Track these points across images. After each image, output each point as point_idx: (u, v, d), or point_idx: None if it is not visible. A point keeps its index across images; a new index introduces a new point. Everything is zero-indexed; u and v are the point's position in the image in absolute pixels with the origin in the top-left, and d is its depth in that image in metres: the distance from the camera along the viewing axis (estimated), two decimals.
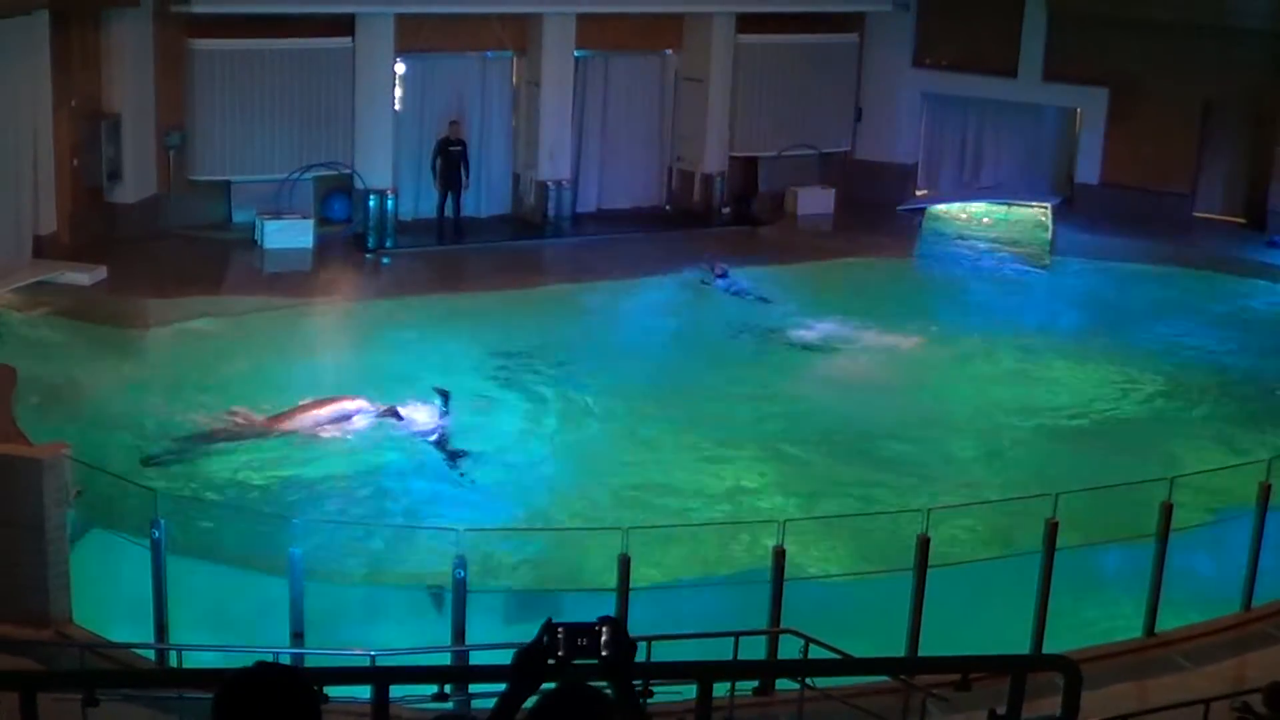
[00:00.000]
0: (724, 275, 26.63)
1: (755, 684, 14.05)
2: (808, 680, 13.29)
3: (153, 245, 25.59)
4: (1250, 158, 30.97)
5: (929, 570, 14.73)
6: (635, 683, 5.53)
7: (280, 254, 26.03)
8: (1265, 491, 16.24)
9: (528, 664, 5.38)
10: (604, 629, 5.38)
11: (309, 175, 27.01)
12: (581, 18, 28.82)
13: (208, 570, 15.87)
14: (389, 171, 27.62)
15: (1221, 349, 24.85)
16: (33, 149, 23.54)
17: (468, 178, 28.18)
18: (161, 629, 14.34)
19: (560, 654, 5.33)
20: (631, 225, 29.50)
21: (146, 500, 14.91)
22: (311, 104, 26.99)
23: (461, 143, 28.02)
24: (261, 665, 4.96)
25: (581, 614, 5.54)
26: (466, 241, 27.87)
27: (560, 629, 5.35)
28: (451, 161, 27.87)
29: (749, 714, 13.62)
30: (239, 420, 19.86)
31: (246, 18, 25.93)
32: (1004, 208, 31.99)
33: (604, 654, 5.35)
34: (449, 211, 28.15)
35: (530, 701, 5.12)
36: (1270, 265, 28.21)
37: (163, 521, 14.42)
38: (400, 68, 28.04)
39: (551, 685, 5.11)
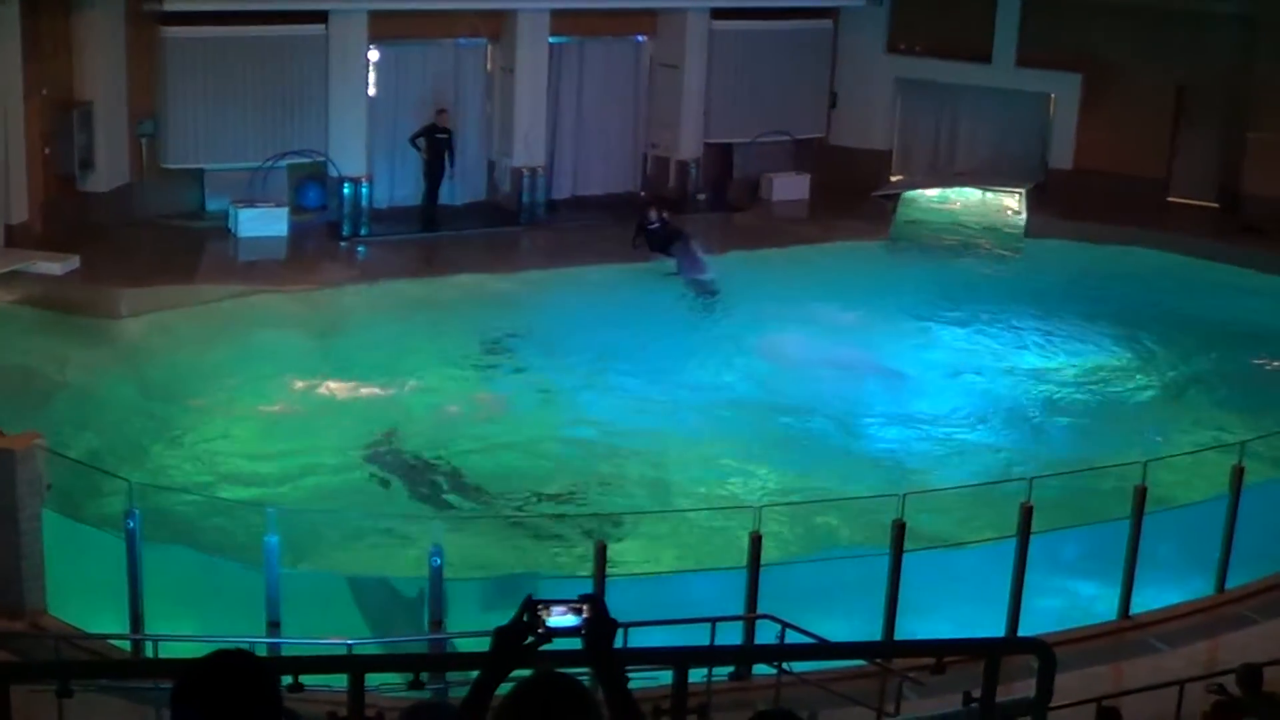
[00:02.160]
0: (661, 223, 26.60)
1: (731, 669, 14.08)
2: (784, 665, 13.34)
3: (126, 234, 25.50)
4: (1223, 142, 31.01)
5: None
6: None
7: (254, 242, 25.93)
8: (1238, 474, 16.31)
9: (507, 642, 5.36)
10: (585, 607, 5.38)
11: (283, 163, 26.93)
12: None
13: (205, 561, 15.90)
14: (363, 159, 27.53)
15: (1194, 333, 24.91)
16: (3, 138, 23.43)
17: (452, 166, 28.09)
18: (137, 619, 14.32)
19: (541, 630, 5.32)
20: (607, 211, 29.44)
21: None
22: (285, 92, 26.89)
23: (448, 131, 27.93)
24: (222, 653, 4.95)
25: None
26: (441, 229, 27.79)
27: (540, 605, 5.34)
28: (437, 149, 27.77)
29: (726, 699, 13.64)
30: None
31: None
32: (978, 193, 32.00)
33: (584, 631, 5.34)
34: (441, 199, 28.08)
35: (505, 690, 5.10)
36: (1243, 250, 28.24)
37: (137, 512, 14.40)
38: (374, 55, 27.96)
39: (526, 673, 5.10)
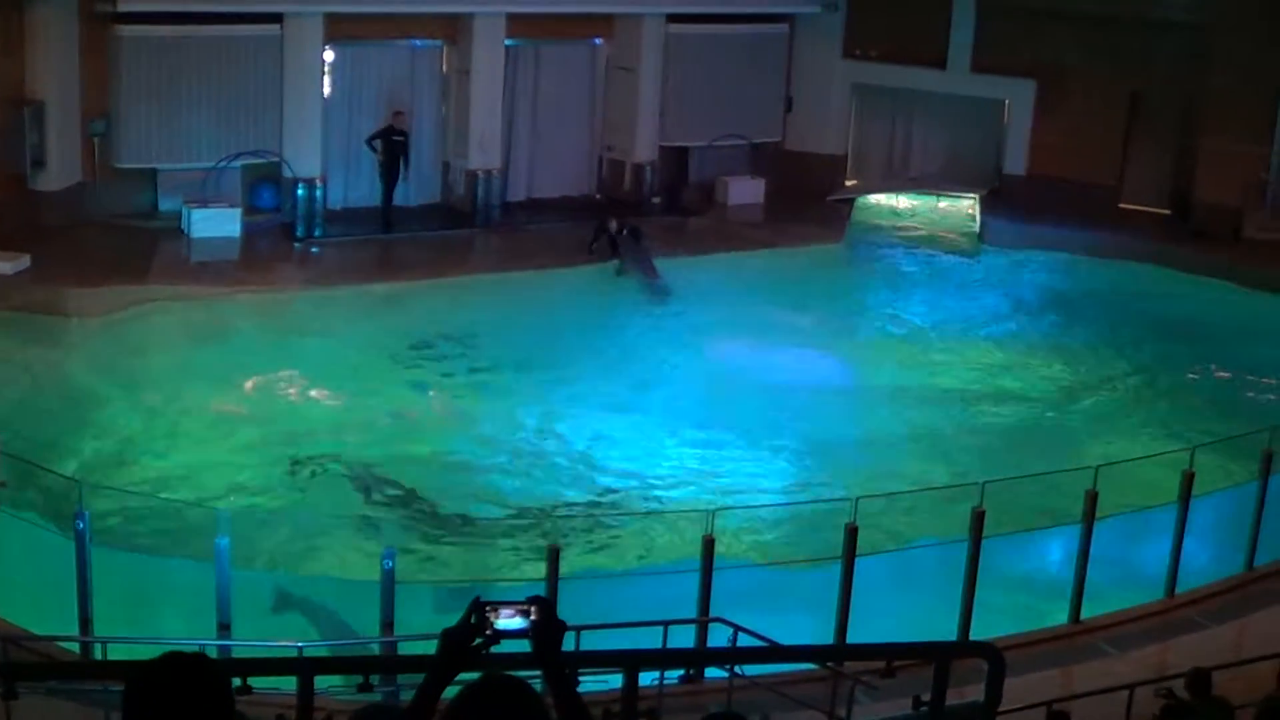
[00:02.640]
0: (621, 231, 26.80)
1: (682, 672, 14.07)
2: (736, 668, 13.33)
3: (78, 233, 25.32)
4: (1176, 149, 31.18)
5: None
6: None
7: (207, 243, 25.81)
8: (1188, 479, 16.38)
9: (454, 644, 5.33)
10: (533, 609, 5.35)
11: (237, 163, 26.80)
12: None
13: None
14: (318, 160, 27.43)
15: (1146, 338, 25.04)
16: None
17: (407, 169, 28.03)
18: (86, 621, 14.22)
19: (489, 632, 5.30)
20: (562, 214, 29.41)
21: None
22: (239, 91, 26.76)
23: (405, 133, 27.88)
24: (171, 655, 4.92)
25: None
26: (395, 230, 27.71)
27: (488, 607, 5.31)
28: (393, 151, 27.70)
29: (678, 703, 13.62)
30: None
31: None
32: (932, 198, 32.10)
33: (532, 634, 5.32)
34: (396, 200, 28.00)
35: (451, 693, 5.08)
36: (1194, 256, 28.40)
37: (86, 513, 14.30)
38: (329, 55, 27.87)
39: (474, 676, 5.07)
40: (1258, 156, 29.92)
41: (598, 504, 18.82)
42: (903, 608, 15.66)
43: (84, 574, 14.23)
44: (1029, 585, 17.04)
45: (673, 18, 30.32)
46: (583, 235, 27.25)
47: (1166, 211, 31.06)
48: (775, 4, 31.74)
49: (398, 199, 28.12)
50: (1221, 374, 23.98)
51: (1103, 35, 30.83)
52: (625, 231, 27.03)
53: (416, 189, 28.86)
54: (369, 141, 27.78)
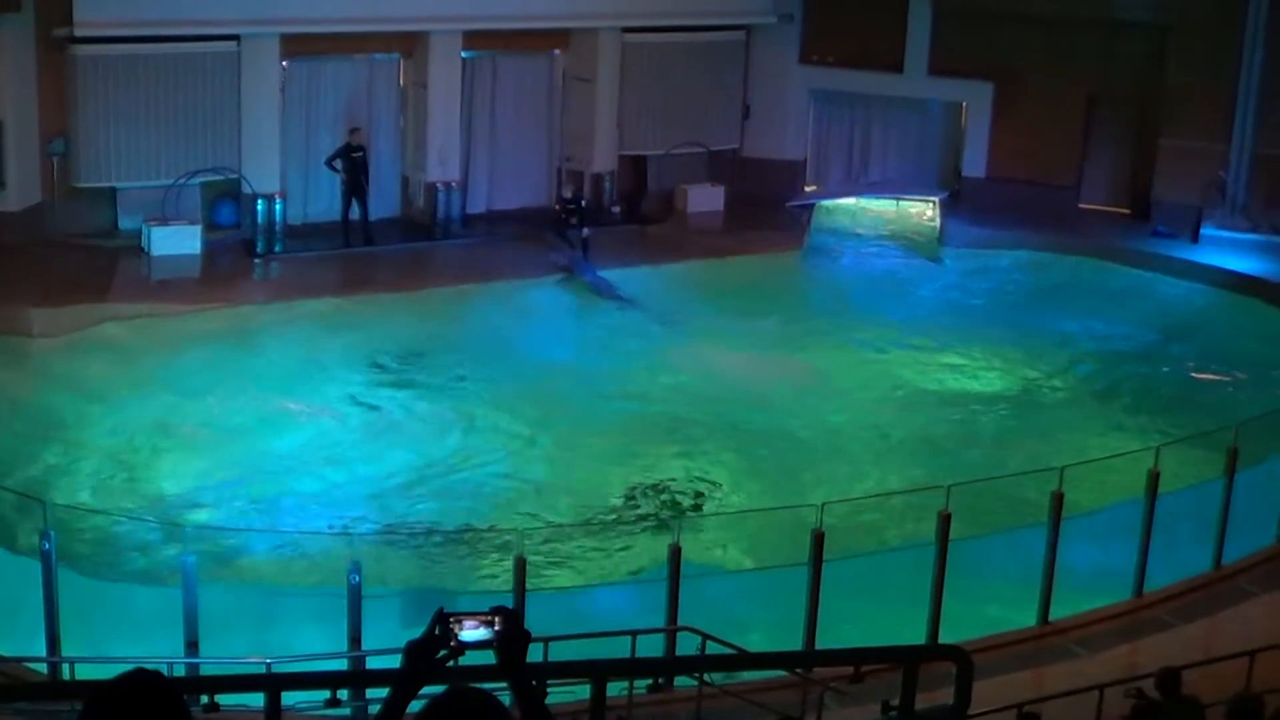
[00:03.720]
0: (576, 200, 27.49)
1: (651, 681, 14.05)
2: (705, 677, 13.32)
3: (38, 253, 25.21)
4: (1134, 149, 31.29)
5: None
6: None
7: (168, 260, 25.73)
8: (1154, 479, 16.43)
9: (419, 657, 5.30)
10: (498, 619, 5.31)
11: (196, 181, 26.72)
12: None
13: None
14: (277, 176, 27.37)
15: (1108, 337, 25.13)
16: None
17: (368, 183, 27.97)
18: (54, 642, 14.14)
19: (453, 644, 5.26)
20: (522, 226, 29.36)
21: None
22: (197, 109, 26.68)
23: (362, 149, 27.83)
24: (129, 674, 4.88)
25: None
26: (355, 245, 27.64)
27: (452, 618, 5.28)
28: (354, 168, 27.64)
29: (648, 712, 13.62)
30: None
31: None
32: (892, 202, 32.14)
33: (497, 645, 5.28)
34: (355, 215, 27.87)
35: (417, 706, 5.04)
36: (1154, 254, 28.53)
37: (52, 533, 14.23)
38: (287, 71, 27.81)
39: (440, 688, 5.04)
40: (1216, 154, 30.05)
41: (560, 515, 18.79)
42: (871, 613, 15.69)
43: (50, 594, 14.15)
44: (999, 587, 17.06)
45: (629, 27, 30.33)
46: (543, 247, 27.32)
47: (1126, 210, 31.18)
48: (731, 16, 31.75)
49: (355, 213, 27.96)
50: (1186, 370, 24.06)
51: (1059, 37, 30.94)
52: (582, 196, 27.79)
53: (376, 203, 28.77)
54: (329, 162, 27.72)
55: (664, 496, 19.26)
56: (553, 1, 29.44)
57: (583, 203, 28.07)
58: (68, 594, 14.32)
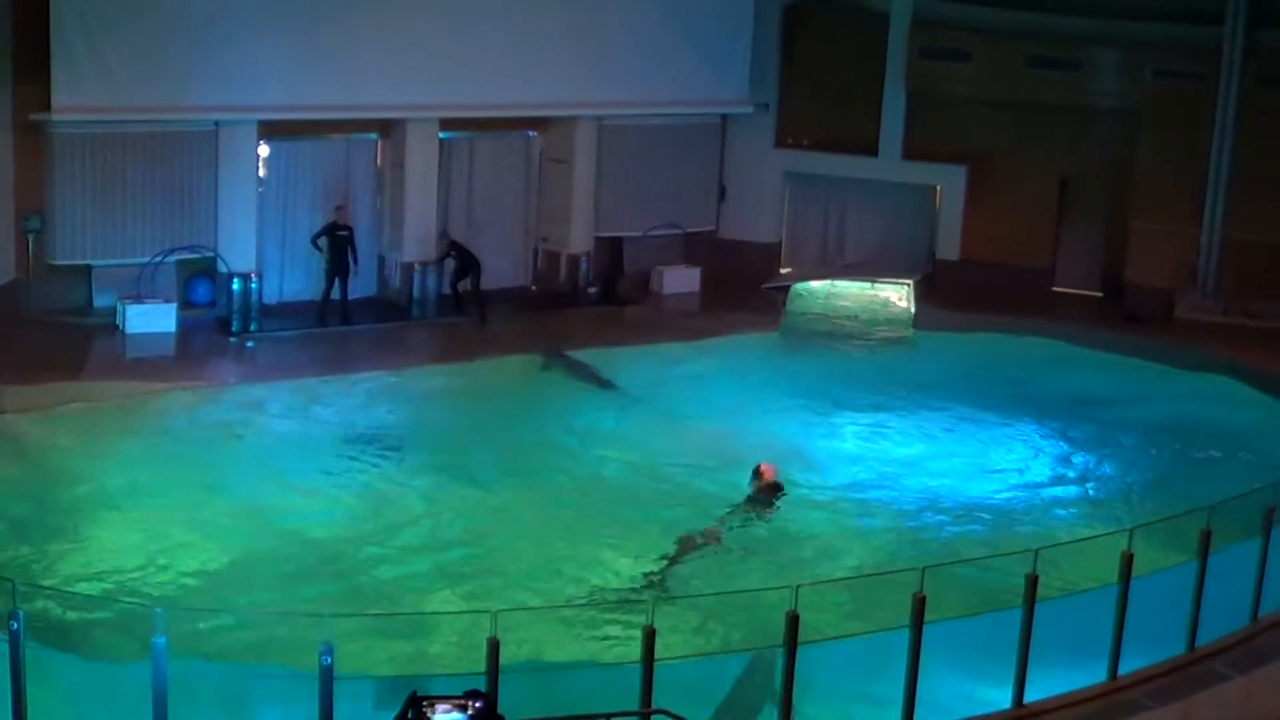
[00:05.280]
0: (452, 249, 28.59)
1: None
2: None
3: (12, 330, 25.20)
4: (1106, 233, 31.53)
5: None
6: None
7: (142, 339, 25.75)
8: (1128, 561, 16.41)
9: None
10: (471, 704, 5.31)
11: (172, 259, 26.75)
12: None
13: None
14: (252, 254, 27.42)
15: (1080, 420, 25.16)
16: None
17: (356, 264, 28.01)
18: None
19: None
20: (497, 306, 29.38)
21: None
22: (174, 187, 26.77)
23: (348, 228, 27.89)
24: None
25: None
26: (331, 324, 27.64)
27: (426, 701, 5.27)
28: (339, 246, 27.69)
29: None
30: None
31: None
32: (867, 285, 32.25)
33: None
34: (335, 295, 27.91)
35: None
36: (1126, 338, 28.65)
37: (20, 613, 14.11)
38: (264, 150, 27.89)
39: None
40: (1188, 238, 30.27)
41: (535, 596, 18.70)
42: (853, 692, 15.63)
43: (17, 677, 14.02)
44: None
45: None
46: (519, 327, 27.40)
47: (1099, 294, 31.37)
48: (707, 106, 31.95)
49: (335, 293, 28.00)
50: (1158, 452, 24.09)
51: (1031, 121, 31.25)
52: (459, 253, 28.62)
53: (353, 282, 28.83)
54: (314, 241, 27.80)
55: (638, 576, 19.18)
56: (529, 91, 29.62)
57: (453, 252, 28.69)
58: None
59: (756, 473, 21.40)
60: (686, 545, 19.96)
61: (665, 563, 19.53)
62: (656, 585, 18.90)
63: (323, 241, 27.72)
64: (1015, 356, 28.15)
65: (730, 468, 22.39)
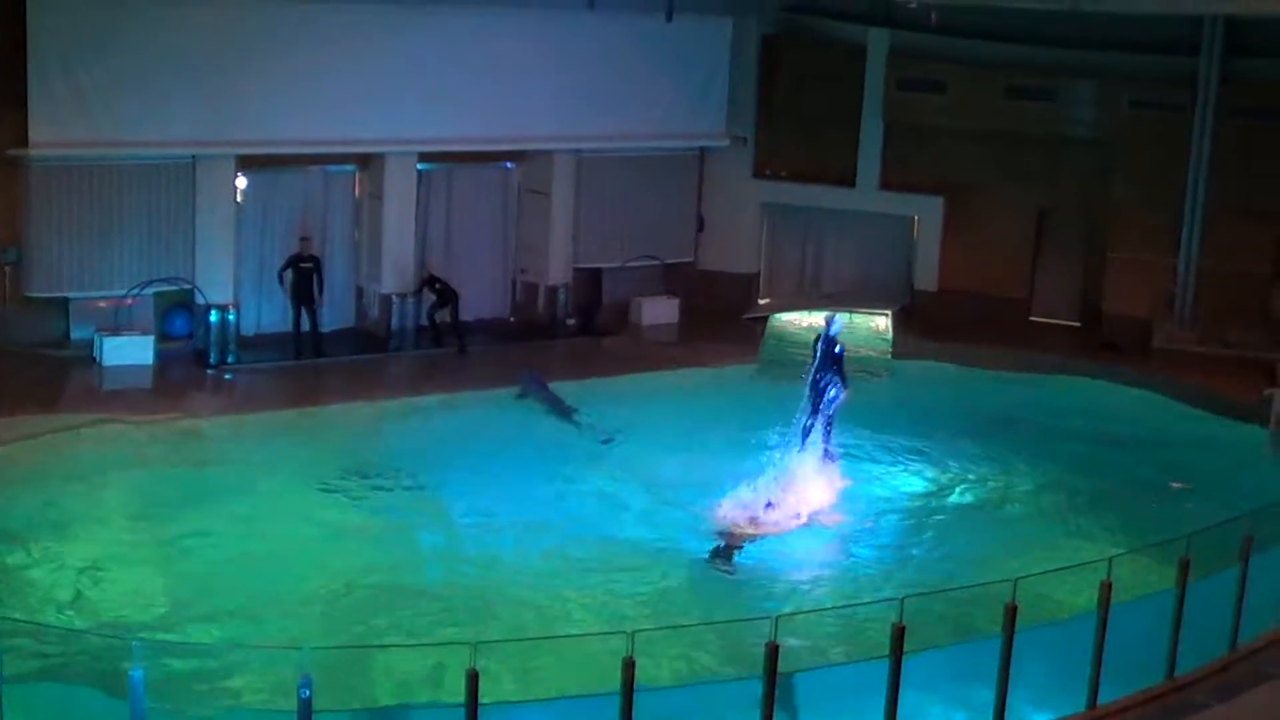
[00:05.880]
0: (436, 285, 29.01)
1: None
2: None
3: None
4: (1084, 262, 31.64)
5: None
6: None
7: (120, 371, 25.71)
8: (1106, 590, 16.41)
9: None
10: None
11: (149, 291, 26.71)
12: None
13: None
14: (230, 286, 27.39)
15: (1059, 448, 25.19)
16: None
17: (321, 294, 27.99)
18: None
19: None
20: (476, 338, 29.38)
21: None
22: (151, 219, 26.74)
23: (314, 258, 27.88)
24: None
25: None
26: (306, 356, 27.61)
27: None
28: (303, 277, 27.69)
29: None
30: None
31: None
32: (845, 315, 32.25)
33: None
34: (305, 327, 27.88)
35: None
36: (1103, 367, 28.71)
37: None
38: (241, 182, 27.88)
39: None
40: (1165, 268, 30.38)
41: (512, 628, 18.66)
42: None
43: None
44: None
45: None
46: (497, 358, 27.36)
47: (1077, 323, 31.48)
48: (684, 138, 32.02)
49: (305, 325, 27.95)
50: (1136, 482, 24.11)
51: (1009, 152, 31.38)
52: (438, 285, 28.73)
53: (330, 313, 28.85)
54: (279, 273, 27.81)
55: (615, 609, 19.15)
56: (507, 125, 29.67)
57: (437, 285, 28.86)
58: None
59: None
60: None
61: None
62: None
63: (288, 274, 27.72)
64: (992, 386, 28.21)
65: (706, 502, 22.39)
